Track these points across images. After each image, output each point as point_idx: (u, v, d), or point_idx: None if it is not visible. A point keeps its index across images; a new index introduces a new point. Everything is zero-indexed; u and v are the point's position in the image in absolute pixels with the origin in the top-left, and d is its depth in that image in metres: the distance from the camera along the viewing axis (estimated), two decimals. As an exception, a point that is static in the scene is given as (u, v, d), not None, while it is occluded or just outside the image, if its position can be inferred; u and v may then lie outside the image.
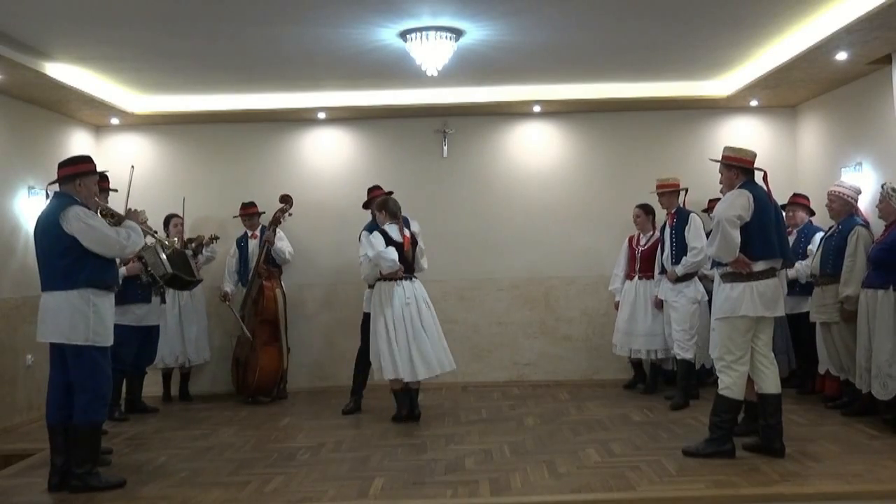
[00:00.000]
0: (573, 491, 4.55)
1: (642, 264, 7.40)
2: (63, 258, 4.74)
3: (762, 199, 5.04)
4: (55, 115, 7.55)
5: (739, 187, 5.10)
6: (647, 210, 7.48)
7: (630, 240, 7.62)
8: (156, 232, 6.04)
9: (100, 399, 4.82)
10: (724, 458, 4.99)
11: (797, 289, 6.58)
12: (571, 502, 4.46)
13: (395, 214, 6.48)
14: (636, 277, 7.42)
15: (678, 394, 6.79)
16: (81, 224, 4.73)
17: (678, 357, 6.83)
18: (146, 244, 5.65)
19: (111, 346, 4.91)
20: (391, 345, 6.24)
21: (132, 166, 6.01)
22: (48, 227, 4.80)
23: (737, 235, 4.91)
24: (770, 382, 5.07)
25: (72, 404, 4.77)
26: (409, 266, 6.45)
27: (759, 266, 4.98)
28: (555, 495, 4.52)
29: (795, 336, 6.93)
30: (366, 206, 7.18)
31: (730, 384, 5.03)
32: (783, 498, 4.38)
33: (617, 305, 7.60)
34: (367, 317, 6.68)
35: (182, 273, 6.31)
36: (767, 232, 4.98)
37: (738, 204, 4.97)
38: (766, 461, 4.92)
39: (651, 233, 7.45)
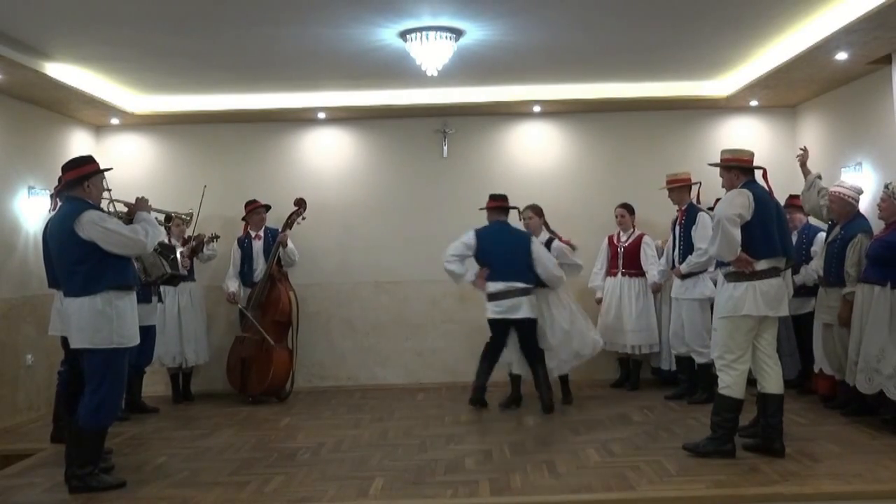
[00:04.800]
0: (573, 491, 4.55)
1: (625, 261, 7.56)
2: (82, 264, 4.69)
3: (763, 197, 5.05)
4: (55, 115, 7.55)
5: (740, 187, 5.10)
6: (630, 210, 7.66)
7: (610, 238, 7.77)
8: (169, 215, 6.06)
9: (111, 403, 4.83)
10: (723, 458, 4.99)
11: (801, 290, 6.56)
12: (571, 502, 4.46)
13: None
14: (619, 274, 7.59)
15: (700, 391, 6.83)
16: (98, 228, 4.69)
17: (698, 362, 6.82)
18: None
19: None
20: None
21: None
22: (64, 234, 4.73)
23: (737, 234, 4.91)
24: (773, 382, 5.07)
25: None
26: None
27: (762, 265, 4.98)
28: (555, 495, 4.52)
29: (798, 337, 6.90)
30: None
31: (730, 383, 5.03)
32: (783, 498, 4.38)
33: (598, 302, 7.75)
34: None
35: (176, 270, 6.35)
36: (769, 230, 4.98)
37: (738, 203, 4.97)
38: (766, 461, 4.92)
39: (631, 231, 7.63)
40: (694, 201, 6.97)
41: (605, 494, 4.50)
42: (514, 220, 7.11)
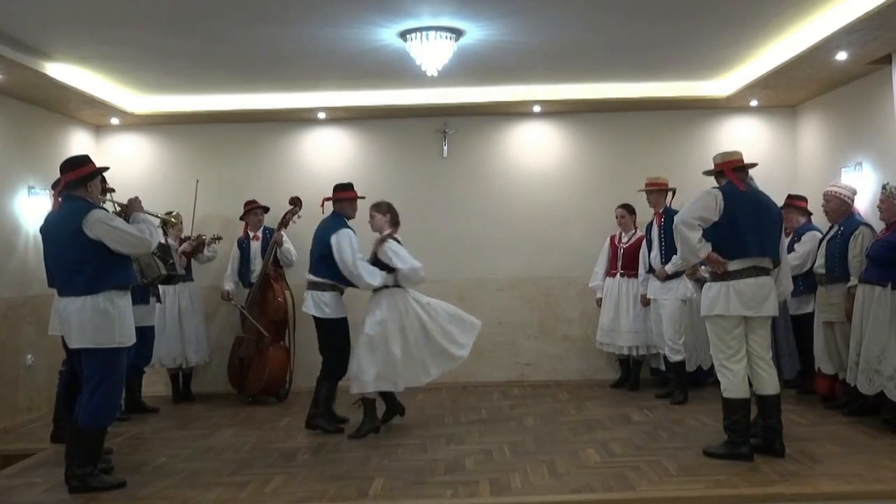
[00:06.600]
0: (573, 491, 4.55)
1: (624, 261, 7.61)
2: (88, 263, 4.69)
3: (736, 197, 5.01)
4: (55, 115, 7.55)
5: (716, 187, 5.13)
6: (630, 210, 7.69)
7: (612, 238, 7.81)
8: (157, 216, 6.08)
9: (111, 403, 4.83)
10: (740, 461, 4.92)
11: (801, 288, 6.57)
12: (571, 502, 4.46)
13: (398, 223, 6.22)
14: (618, 275, 7.63)
15: (677, 392, 6.92)
16: (106, 227, 4.71)
17: (670, 360, 6.95)
18: None
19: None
20: (407, 352, 5.95)
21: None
22: (69, 233, 4.72)
23: (694, 237, 4.94)
24: (767, 384, 5.06)
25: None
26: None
27: (735, 265, 4.97)
28: (555, 495, 4.52)
29: (798, 336, 6.90)
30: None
31: (726, 384, 5.03)
32: (783, 498, 4.38)
33: (598, 302, 7.79)
34: (340, 323, 6.24)
35: (172, 270, 6.36)
36: (741, 231, 4.95)
37: (700, 205, 4.99)
38: (766, 461, 4.91)
39: (633, 231, 7.66)
40: (668, 206, 7.18)
41: (605, 494, 4.50)
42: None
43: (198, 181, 7.56)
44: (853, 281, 5.86)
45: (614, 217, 7.74)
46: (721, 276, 5.00)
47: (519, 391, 7.81)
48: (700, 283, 6.93)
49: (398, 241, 6.13)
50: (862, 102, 6.99)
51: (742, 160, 5.18)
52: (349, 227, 6.14)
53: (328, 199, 6.44)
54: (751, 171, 5.24)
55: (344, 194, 6.37)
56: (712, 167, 5.29)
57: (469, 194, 8.39)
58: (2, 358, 6.58)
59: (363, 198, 6.48)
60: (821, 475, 4.66)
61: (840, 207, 6.14)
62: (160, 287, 6.99)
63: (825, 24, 5.77)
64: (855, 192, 6.23)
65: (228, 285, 7.81)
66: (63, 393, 5.71)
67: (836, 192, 6.16)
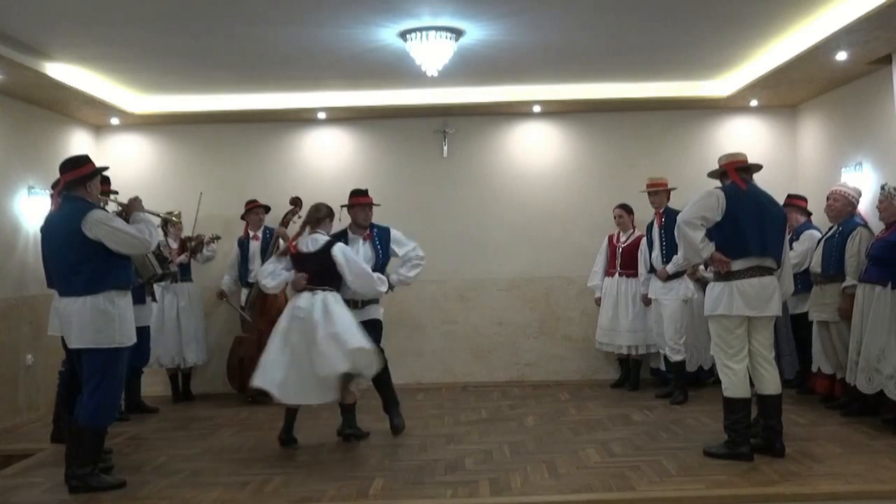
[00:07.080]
0: (573, 491, 4.56)
1: (623, 261, 7.61)
2: (87, 263, 4.70)
3: (738, 196, 5.01)
4: (55, 115, 7.55)
5: (718, 187, 5.13)
6: (628, 210, 7.70)
7: (610, 238, 7.81)
8: (158, 215, 6.07)
9: (110, 403, 4.84)
10: (740, 461, 4.92)
11: (800, 287, 6.57)
12: (571, 502, 4.46)
13: (309, 223, 5.89)
14: (616, 275, 7.64)
15: (677, 392, 6.93)
16: (106, 227, 4.71)
17: (671, 360, 6.97)
18: None
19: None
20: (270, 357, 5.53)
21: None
22: (69, 233, 4.72)
23: (697, 237, 4.96)
24: (769, 384, 5.06)
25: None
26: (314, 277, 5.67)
27: (739, 265, 4.98)
28: (555, 495, 4.53)
29: (797, 336, 6.90)
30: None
31: (728, 384, 5.03)
32: (783, 498, 4.38)
33: (597, 302, 7.81)
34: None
35: (166, 269, 6.36)
36: (743, 231, 4.95)
37: (702, 205, 5.00)
38: (766, 461, 4.91)
39: (631, 231, 7.67)
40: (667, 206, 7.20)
41: (605, 494, 4.50)
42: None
43: (201, 194, 7.51)
44: (850, 281, 5.87)
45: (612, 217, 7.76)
46: (724, 276, 5.00)
47: (519, 391, 7.81)
48: (701, 283, 6.97)
49: (294, 251, 5.79)
50: (862, 102, 6.99)
51: (746, 161, 5.18)
52: (323, 235, 5.89)
53: (343, 206, 6.34)
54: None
55: (351, 200, 6.32)
56: (716, 168, 5.29)
57: (469, 194, 8.39)
58: (1, 358, 6.58)
59: (377, 204, 6.38)
60: (821, 475, 4.65)
61: (845, 208, 6.17)
62: (156, 286, 6.99)
63: (825, 24, 5.77)
64: (860, 194, 6.29)
65: (225, 285, 7.83)
66: (63, 393, 5.71)
67: (843, 192, 6.20)
